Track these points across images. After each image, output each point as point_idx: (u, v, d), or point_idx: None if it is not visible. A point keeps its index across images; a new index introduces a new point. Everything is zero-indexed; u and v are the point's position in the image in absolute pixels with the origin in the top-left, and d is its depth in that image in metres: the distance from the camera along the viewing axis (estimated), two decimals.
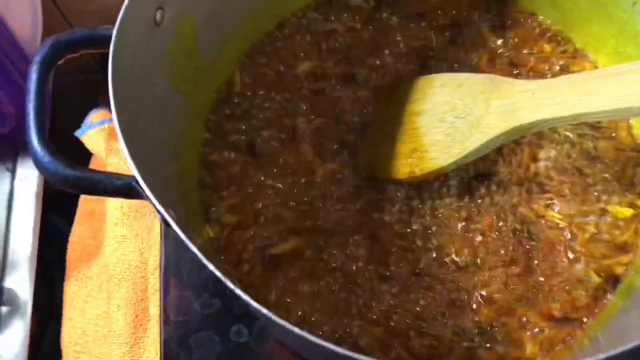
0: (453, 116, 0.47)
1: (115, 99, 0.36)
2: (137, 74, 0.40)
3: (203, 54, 0.49)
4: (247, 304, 0.32)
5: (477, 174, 0.49)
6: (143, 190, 0.34)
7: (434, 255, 0.47)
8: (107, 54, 0.37)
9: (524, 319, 0.45)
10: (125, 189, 0.36)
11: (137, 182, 0.34)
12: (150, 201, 0.34)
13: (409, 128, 0.49)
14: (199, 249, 0.33)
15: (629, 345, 0.32)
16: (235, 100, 0.53)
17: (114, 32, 0.37)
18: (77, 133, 0.63)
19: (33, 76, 0.38)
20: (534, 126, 0.43)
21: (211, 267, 0.33)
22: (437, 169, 0.47)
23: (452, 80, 0.49)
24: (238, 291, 0.32)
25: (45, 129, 0.37)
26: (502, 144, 0.46)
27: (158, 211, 0.34)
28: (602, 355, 0.31)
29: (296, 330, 0.31)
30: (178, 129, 0.47)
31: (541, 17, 0.55)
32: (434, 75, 0.50)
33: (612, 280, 0.46)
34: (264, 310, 0.31)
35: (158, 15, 0.41)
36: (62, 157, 0.37)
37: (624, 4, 0.48)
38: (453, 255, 0.47)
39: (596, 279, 0.46)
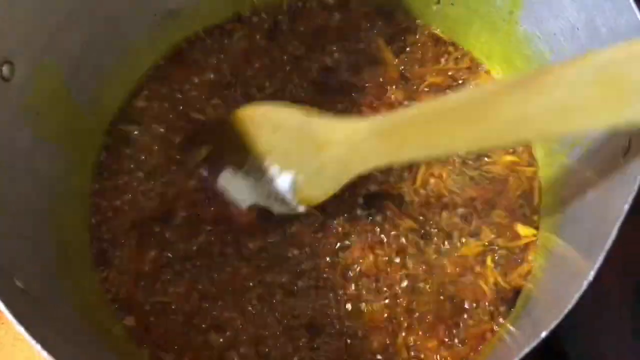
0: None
1: None
2: None
3: (79, 98, 0.47)
4: None
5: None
6: None
7: None
8: None
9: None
10: None
11: None
12: None
13: None
14: None
15: None
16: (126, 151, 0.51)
17: None
18: None
19: None
20: (372, 169, 0.42)
21: None
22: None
23: (266, 120, 0.43)
24: None
25: None
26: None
27: None
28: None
29: None
30: (55, 184, 0.45)
31: (435, 27, 0.53)
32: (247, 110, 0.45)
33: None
34: None
35: (5, 70, 0.40)
36: None
37: (503, 13, 0.47)
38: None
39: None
